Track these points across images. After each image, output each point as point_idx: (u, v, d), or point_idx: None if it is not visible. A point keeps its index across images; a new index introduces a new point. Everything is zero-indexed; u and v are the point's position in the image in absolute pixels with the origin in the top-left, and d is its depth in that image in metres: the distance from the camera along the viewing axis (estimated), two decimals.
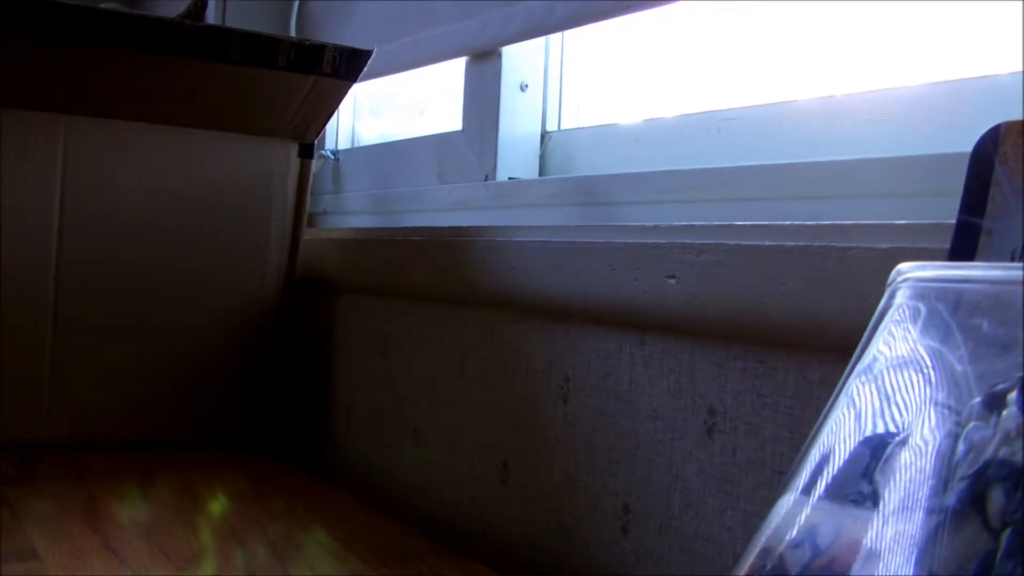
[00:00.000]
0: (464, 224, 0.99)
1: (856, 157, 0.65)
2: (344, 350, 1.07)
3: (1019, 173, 0.40)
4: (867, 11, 0.70)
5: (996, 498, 0.29)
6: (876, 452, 0.34)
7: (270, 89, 0.99)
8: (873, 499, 0.33)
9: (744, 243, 0.58)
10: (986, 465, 0.30)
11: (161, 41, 0.93)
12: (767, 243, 0.57)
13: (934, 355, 0.34)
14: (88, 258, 0.98)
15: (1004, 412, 0.30)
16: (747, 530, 0.59)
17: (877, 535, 0.32)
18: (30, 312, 0.96)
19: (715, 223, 0.62)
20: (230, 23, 1.42)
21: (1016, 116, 0.42)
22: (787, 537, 0.35)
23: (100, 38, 0.91)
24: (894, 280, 0.38)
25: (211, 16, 1.35)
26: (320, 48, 0.97)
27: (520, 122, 1.00)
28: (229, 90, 0.98)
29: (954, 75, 0.63)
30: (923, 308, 0.36)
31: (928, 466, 0.31)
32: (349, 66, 0.99)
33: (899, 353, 0.36)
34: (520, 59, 1.00)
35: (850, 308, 0.52)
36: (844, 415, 0.37)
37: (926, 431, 0.32)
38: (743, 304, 0.58)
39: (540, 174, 0.99)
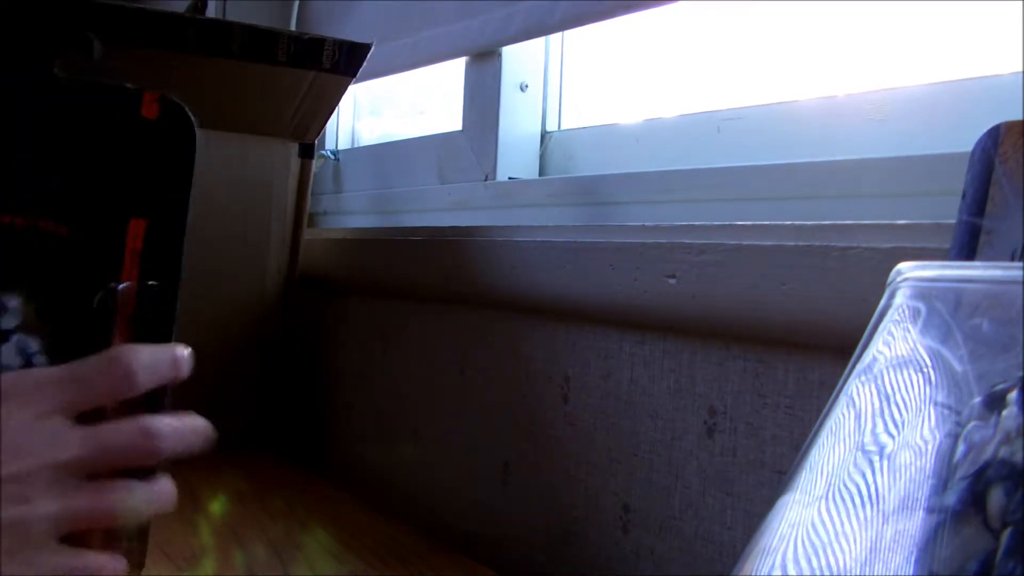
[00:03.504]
0: (464, 224, 0.99)
1: (857, 157, 0.65)
2: (344, 350, 1.07)
3: (1019, 173, 0.40)
4: (867, 11, 0.70)
5: (996, 498, 0.29)
6: (877, 452, 0.34)
7: (270, 86, 0.99)
8: (873, 499, 0.33)
9: (744, 243, 0.58)
10: (986, 465, 0.30)
11: (161, 35, 0.93)
12: (767, 243, 0.57)
13: (934, 355, 0.34)
14: None
15: (1004, 412, 0.30)
16: (747, 530, 0.59)
17: (877, 535, 0.32)
18: None
19: (715, 223, 0.62)
20: None
21: (1016, 116, 0.42)
22: (787, 537, 0.35)
23: (98, 32, 0.91)
24: (894, 280, 0.38)
25: (210, 16, 1.35)
26: (319, 42, 0.97)
27: (520, 122, 1.00)
28: (229, 87, 0.98)
29: (954, 75, 0.63)
30: (923, 308, 0.36)
31: (928, 466, 0.31)
32: (348, 61, 0.99)
33: (899, 353, 0.36)
34: (520, 59, 1.00)
35: (850, 308, 0.51)
36: (844, 415, 0.37)
37: (926, 431, 0.32)
38: (743, 304, 0.58)
39: (540, 174, 0.99)
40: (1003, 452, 0.30)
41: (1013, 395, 0.30)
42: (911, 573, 0.30)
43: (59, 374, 0.45)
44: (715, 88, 0.82)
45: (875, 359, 0.37)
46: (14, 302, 0.45)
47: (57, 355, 0.45)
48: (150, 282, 0.47)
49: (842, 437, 0.36)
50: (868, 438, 0.35)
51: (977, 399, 0.31)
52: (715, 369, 0.62)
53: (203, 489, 0.86)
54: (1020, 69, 0.58)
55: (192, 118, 0.49)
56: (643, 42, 0.91)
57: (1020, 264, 0.38)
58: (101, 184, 0.47)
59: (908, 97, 0.65)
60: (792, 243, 0.56)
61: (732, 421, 0.61)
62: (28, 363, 0.45)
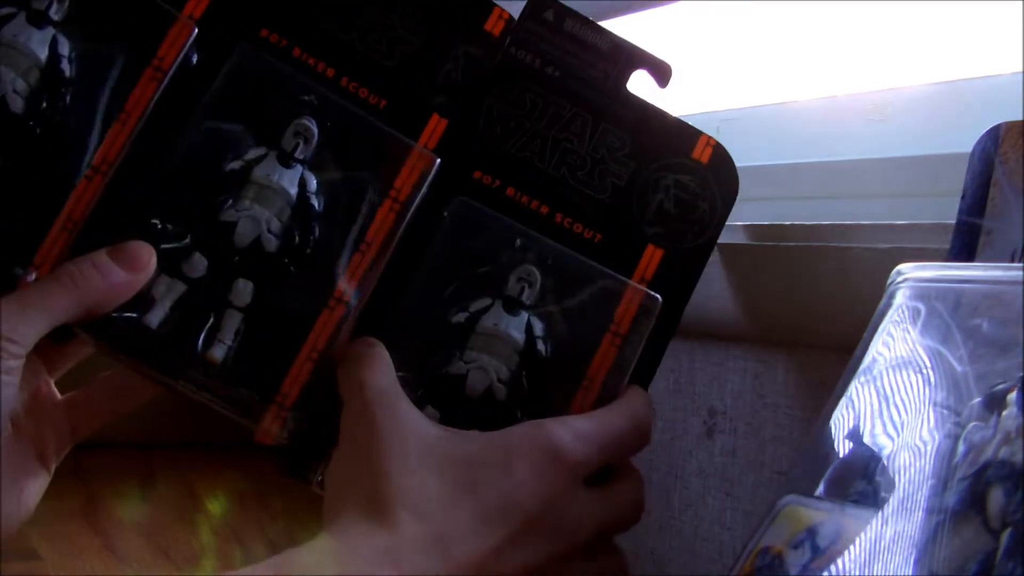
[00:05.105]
0: None
1: (856, 157, 0.65)
2: None
3: (1019, 173, 0.40)
4: (867, 11, 0.70)
5: (996, 498, 0.29)
6: (876, 452, 0.34)
7: None
8: (873, 499, 0.33)
9: (744, 243, 0.58)
10: (986, 465, 0.30)
11: None
12: (767, 243, 0.57)
13: (933, 355, 0.34)
14: None
15: (1004, 412, 0.30)
16: (747, 530, 0.59)
17: (877, 535, 0.32)
18: None
19: None
20: None
21: (1016, 116, 0.42)
22: (787, 537, 0.35)
23: None
24: (894, 280, 0.38)
25: None
26: None
27: None
28: None
29: (954, 75, 0.63)
30: (923, 308, 0.36)
31: (928, 466, 0.32)
32: None
33: (898, 354, 0.36)
34: None
35: (850, 308, 0.51)
36: (844, 415, 0.37)
37: (926, 432, 0.33)
38: (743, 304, 0.58)
39: None
40: (1003, 452, 0.30)
41: (1013, 395, 0.30)
42: (911, 573, 0.30)
43: (594, 432, 0.45)
44: (715, 88, 0.82)
45: (875, 360, 0.37)
46: (542, 280, 0.49)
47: (556, 344, 0.48)
48: (654, 299, 0.50)
49: (842, 437, 0.36)
50: (868, 439, 0.35)
51: (977, 400, 0.31)
52: (715, 369, 0.62)
53: (203, 489, 0.86)
54: (1020, 69, 0.58)
55: (736, 168, 0.53)
56: (642, 42, 0.91)
57: (1020, 264, 0.38)
58: (636, 208, 0.51)
59: (908, 97, 0.65)
60: (792, 243, 0.56)
61: (732, 421, 0.61)
62: (531, 342, 0.48)
